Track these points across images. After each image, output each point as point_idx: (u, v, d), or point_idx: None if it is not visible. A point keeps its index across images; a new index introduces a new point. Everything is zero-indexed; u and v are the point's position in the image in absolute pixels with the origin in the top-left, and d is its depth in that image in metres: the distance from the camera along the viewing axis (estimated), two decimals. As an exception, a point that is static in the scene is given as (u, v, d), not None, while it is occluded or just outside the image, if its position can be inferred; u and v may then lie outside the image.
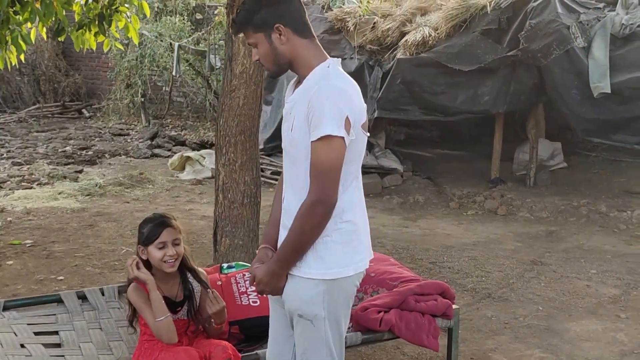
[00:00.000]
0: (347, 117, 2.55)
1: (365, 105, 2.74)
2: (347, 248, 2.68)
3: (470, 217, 7.95)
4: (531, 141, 8.86)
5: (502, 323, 5.03)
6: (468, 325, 4.96)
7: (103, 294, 3.97)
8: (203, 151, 10.22)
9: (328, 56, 2.71)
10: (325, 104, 2.53)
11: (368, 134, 2.77)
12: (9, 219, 7.34)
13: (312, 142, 2.56)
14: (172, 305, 3.40)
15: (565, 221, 7.70)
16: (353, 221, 2.69)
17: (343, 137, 2.55)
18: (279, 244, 2.76)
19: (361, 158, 2.73)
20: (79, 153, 11.02)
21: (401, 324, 3.60)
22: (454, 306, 3.77)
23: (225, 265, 4.13)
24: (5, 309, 3.75)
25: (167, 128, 13.34)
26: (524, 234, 7.26)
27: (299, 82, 2.73)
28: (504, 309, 5.29)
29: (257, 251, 2.90)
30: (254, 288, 3.84)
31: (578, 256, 6.53)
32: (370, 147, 9.19)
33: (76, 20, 5.81)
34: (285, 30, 2.64)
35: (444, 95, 8.44)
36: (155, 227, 3.34)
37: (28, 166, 9.99)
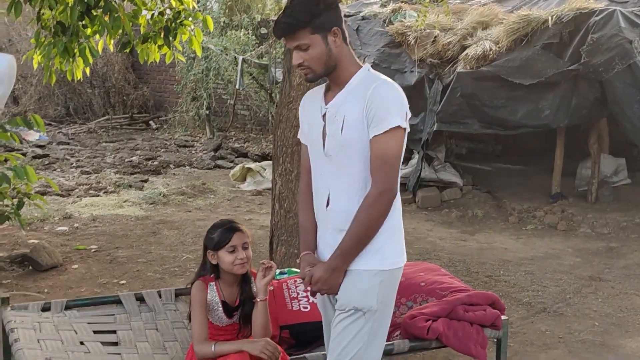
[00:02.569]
0: (406, 111, 2.73)
1: None
2: (397, 238, 2.82)
3: (529, 232, 7.88)
4: (593, 156, 8.74)
5: (556, 337, 4.99)
6: (521, 339, 4.94)
7: (160, 297, 4.11)
8: (264, 163, 10.39)
9: (361, 63, 2.86)
10: (391, 98, 2.70)
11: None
12: (75, 225, 7.61)
13: (375, 136, 2.68)
14: (229, 310, 3.51)
15: (627, 238, 7.57)
16: (400, 210, 2.83)
17: (405, 129, 2.73)
18: (323, 247, 2.86)
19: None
20: (144, 163, 11.32)
21: (449, 332, 3.62)
22: (503, 317, 3.77)
23: (277, 271, 4.22)
24: (67, 308, 3.92)
25: (230, 140, 13.58)
26: (583, 250, 7.16)
27: (328, 91, 2.87)
28: (559, 323, 5.24)
29: (299, 261, 2.96)
30: (305, 294, 3.95)
31: (638, 273, 6.41)
32: (429, 160, 9.20)
33: (142, 33, 6.03)
34: (339, 33, 2.77)
35: (504, 109, 8.40)
36: (225, 231, 3.44)
37: (96, 175, 10.31)
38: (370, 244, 2.74)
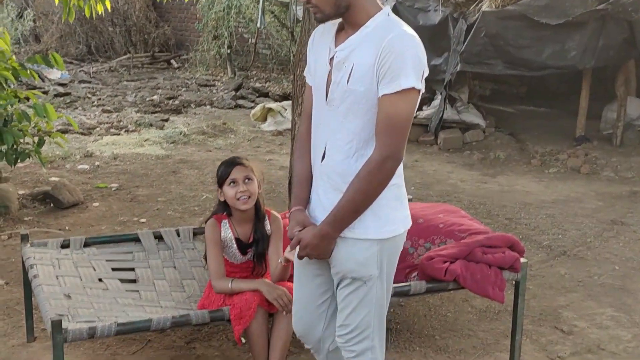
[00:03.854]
0: (423, 70, 2.46)
1: None
2: (398, 204, 2.62)
3: (551, 175, 7.80)
4: (620, 99, 8.58)
5: (576, 281, 4.97)
6: (540, 282, 4.92)
7: (178, 235, 4.13)
8: (285, 103, 10.31)
9: (381, 5, 2.56)
10: (408, 54, 2.41)
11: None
12: (97, 163, 7.64)
13: (385, 95, 2.42)
14: (242, 247, 3.52)
15: (651, 182, 7.48)
16: (401, 175, 2.62)
17: (419, 91, 2.46)
18: (316, 205, 2.66)
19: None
20: (165, 102, 11.29)
21: (467, 274, 3.60)
22: (522, 259, 3.74)
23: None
24: (86, 245, 3.95)
25: (251, 80, 13.49)
26: (606, 194, 7.08)
27: (341, 30, 2.59)
28: (579, 267, 5.21)
29: (288, 214, 2.77)
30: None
31: (661, 217, 6.35)
32: (452, 101, 9.08)
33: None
34: None
35: (529, 50, 8.22)
36: (226, 166, 3.50)
37: (117, 114, 10.30)
38: (369, 210, 2.53)
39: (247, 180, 3.43)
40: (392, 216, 2.60)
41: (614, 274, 5.10)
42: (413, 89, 2.42)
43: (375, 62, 2.43)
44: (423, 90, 2.51)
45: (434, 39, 8.80)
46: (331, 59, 2.57)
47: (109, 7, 5.58)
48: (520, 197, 6.90)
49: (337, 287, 2.69)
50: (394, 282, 3.77)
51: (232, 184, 3.43)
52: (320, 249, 2.57)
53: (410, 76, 2.40)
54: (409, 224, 2.70)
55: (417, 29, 9.38)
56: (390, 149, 2.45)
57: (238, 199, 3.42)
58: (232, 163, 3.48)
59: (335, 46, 2.57)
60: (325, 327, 2.82)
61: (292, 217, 2.69)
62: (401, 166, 2.59)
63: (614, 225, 6.10)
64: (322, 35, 2.65)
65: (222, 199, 3.53)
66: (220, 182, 3.49)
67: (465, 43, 8.37)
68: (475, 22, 8.31)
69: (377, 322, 2.70)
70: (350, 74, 2.48)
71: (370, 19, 2.51)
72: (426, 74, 2.50)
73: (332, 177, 2.58)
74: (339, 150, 2.55)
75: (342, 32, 2.59)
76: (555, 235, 5.83)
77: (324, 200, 2.61)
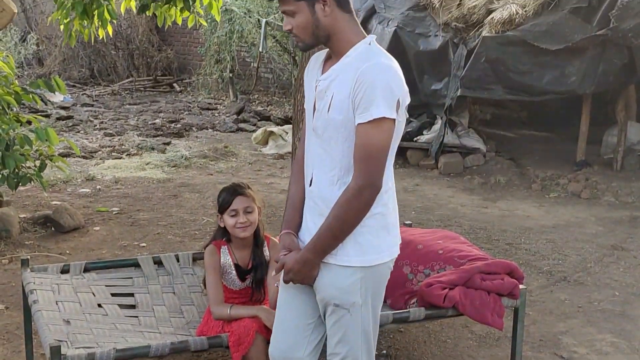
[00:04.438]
0: (398, 99, 2.47)
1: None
2: (383, 233, 2.61)
3: (552, 200, 7.81)
4: (620, 124, 8.61)
5: (576, 307, 4.96)
6: (540, 308, 4.91)
7: (178, 260, 4.13)
8: (286, 126, 10.34)
9: (366, 33, 2.59)
10: (378, 84, 2.43)
11: (407, 115, 2.67)
12: (98, 187, 7.66)
13: (360, 124, 2.45)
14: (241, 273, 3.53)
15: (652, 207, 7.48)
16: (388, 205, 2.62)
17: (394, 120, 2.47)
18: (304, 229, 2.68)
19: (399, 139, 2.62)
20: (167, 126, 11.34)
21: (466, 301, 3.60)
22: (521, 286, 3.74)
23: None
24: (86, 270, 3.95)
25: (253, 103, 13.55)
26: (606, 219, 7.08)
27: (329, 59, 2.61)
28: (579, 292, 5.21)
29: (278, 237, 2.81)
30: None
31: (662, 243, 6.35)
32: (453, 126, 9.11)
33: (164, -5, 5.98)
34: (330, 1, 2.51)
35: (530, 75, 8.27)
36: (228, 195, 3.50)
37: (119, 137, 10.34)
38: (351, 237, 2.55)
39: (247, 210, 3.45)
40: (375, 244, 2.60)
41: (614, 299, 5.09)
42: (385, 118, 2.44)
43: (351, 92, 2.46)
44: (402, 119, 2.54)
45: (435, 64, 8.87)
46: (316, 87, 2.61)
47: (110, 32, 5.63)
48: (521, 222, 6.91)
49: (324, 315, 2.70)
50: (394, 309, 3.81)
51: (232, 213, 3.45)
52: (302, 274, 2.60)
53: (380, 106, 2.42)
54: (395, 253, 2.69)
55: (418, 54, 9.54)
56: (366, 178, 2.47)
57: (237, 228, 3.44)
58: (233, 192, 3.48)
59: (321, 74, 2.61)
60: (306, 352, 2.76)
61: (281, 240, 2.74)
62: (389, 195, 2.62)
63: (614, 251, 6.10)
64: (315, 63, 2.70)
65: (222, 225, 3.55)
66: (221, 209, 3.51)
67: (466, 68, 8.42)
68: (476, 48, 8.38)
69: (365, 352, 2.69)
70: (330, 103, 2.52)
71: (351, 48, 2.54)
72: (405, 102, 2.54)
73: (318, 203, 2.62)
74: (323, 176, 2.59)
75: (329, 61, 2.63)
76: (555, 261, 5.83)
77: (311, 225, 2.65)
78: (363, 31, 2.61)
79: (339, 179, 2.55)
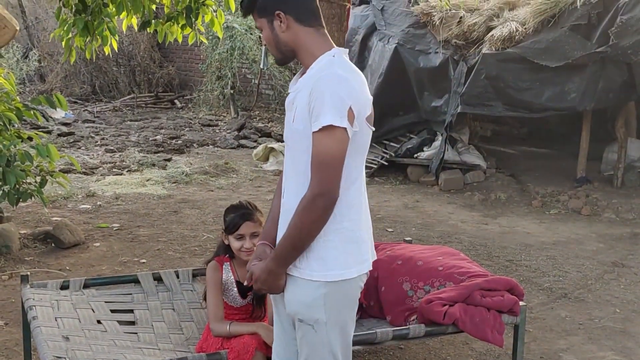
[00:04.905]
0: (350, 107, 2.45)
1: (371, 97, 2.62)
2: (350, 248, 2.57)
3: (552, 216, 7.81)
4: (620, 140, 8.62)
5: (576, 324, 4.95)
6: (541, 325, 4.90)
7: (178, 277, 4.13)
8: (287, 143, 10.37)
9: (334, 46, 2.61)
10: (327, 93, 2.44)
11: (373, 128, 2.64)
12: (98, 203, 7.66)
13: (313, 132, 2.46)
14: (243, 290, 3.53)
15: (652, 223, 7.48)
16: (356, 220, 2.59)
17: (345, 128, 2.45)
18: (278, 239, 2.66)
19: (365, 153, 2.62)
20: (168, 142, 11.36)
21: (465, 318, 3.60)
22: (521, 303, 3.74)
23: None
24: (85, 286, 3.96)
25: (254, 120, 13.57)
26: (607, 235, 7.08)
27: (303, 72, 2.65)
28: (579, 309, 5.19)
29: (254, 248, 2.83)
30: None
31: (663, 260, 6.34)
32: (453, 142, 9.13)
33: (165, 12, 6.01)
34: (285, 17, 2.56)
35: (529, 92, 8.29)
36: (236, 218, 3.50)
37: (120, 153, 10.36)
38: (314, 252, 2.52)
39: (254, 235, 3.45)
40: (341, 260, 2.56)
41: (615, 316, 5.08)
42: (333, 126, 2.42)
43: (308, 103, 2.49)
44: (361, 130, 2.51)
45: (435, 80, 8.90)
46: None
47: (115, 47, 5.65)
48: (521, 239, 6.90)
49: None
50: (394, 325, 3.81)
51: (239, 237, 3.46)
52: (268, 283, 2.59)
53: (327, 114, 2.42)
54: (365, 269, 2.64)
55: (418, 71, 9.56)
56: (319, 187, 2.45)
57: (242, 251, 3.45)
58: (242, 217, 3.48)
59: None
60: None
61: (255, 250, 2.77)
62: (357, 210, 2.59)
63: (614, 267, 6.09)
64: (295, 77, 2.73)
65: (226, 242, 3.55)
66: (227, 231, 3.51)
67: (466, 85, 8.45)
68: (476, 64, 8.42)
69: None
70: (294, 114, 2.56)
71: (315, 60, 2.57)
72: (362, 112, 2.52)
73: (287, 214, 2.60)
74: (292, 187, 2.60)
75: (302, 75, 2.65)
76: (555, 277, 5.82)
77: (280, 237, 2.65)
78: (331, 43, 2.62)
79: (304, 191, 2.52)
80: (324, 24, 2.66)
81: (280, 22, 2.57)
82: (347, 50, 2.69)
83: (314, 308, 2.56)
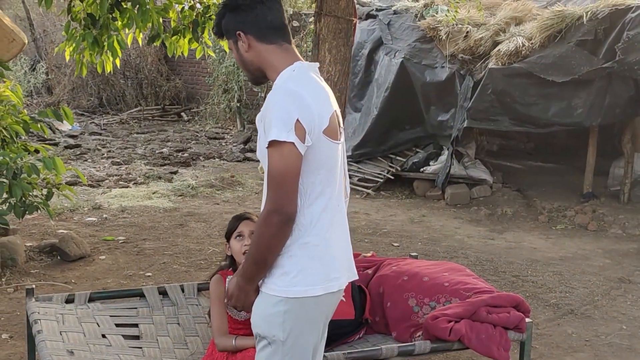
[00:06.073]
0: (297, 121, 2.38)
1: (331, 109, 2.54)
2: (316, 265, 2.49)
3: (559, 232, 7.78)
4: (627, 156, 8.60)
5: (583, 340, 4.92)
6: (547, 341, 4.88)
7: (183, 291, 4.12)
8: (293, 156, 10.38)
9: (300, 59, 2.58)
10: (275, 107, 2.41)
11: (338, 141, 2.57)
12: (104, 216, 7.67)
13: (266, 148, 2.41)
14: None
15: (660, 239, 7.45)
16: (324, 237, 2.50)
17: (293, 143, 2.37)
18: None
19: (332, 169, 2.55)
20: (175, 155, 11.38)
21: (471, 334, 3.58)
22: (527, 320, 3.72)
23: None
24: (90, 300, 3.95)
25: (260, 133, 13.58)
26: (613, 251, 7.05)
27: None
28: (586, 326, 5.17)
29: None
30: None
31: (670, 276, 6.31)
32: (459, 156, 9.12)
33: (172, 26, 6.04)
34: (246, 37, 2.57)
35: (536, 107, 8.29)
36: (234, 220, 3.60)
37: (126, 166, 10.38)
38: (279, 266, 2.46)
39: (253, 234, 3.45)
40: (304, 276, 2.47)
41: (622, 333, 5.05)
42: (278, 141, 2.37)
43: (262, 119, 2.49)
44: (315, 144, 2.44)
45: (441, 95, 8.91)
46: None
47: (118, 64, 5.68)
48: (527, 254, 6.88)
49: None
50: (399, 341, 3.79)
51: (238, 237, 3.49)
52: (239, 299, 2.55)
53: (272, 129, 2.37)
54: (331, 288, 2.54)
55: (425, 85, 9.59)
56: (272, 202, 2.40)
57: (244, 253, 3.45)
58: (239, 218, 3.58)
59: None
60: None
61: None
62: (322, 227, 2.51)
63: (621, 284, 6.06)
64: None
65: (229, 253, 3.59)
66: (228, 235, 3.58)
67: (472, 99, 8.46)
68: (482, 79, 8.42)
69: None
70: (260, 132, 2.53)
71: (278, 76, 2.56)
72: (316, 126, 2.45)
73: None
74: (264, 204, 2.52)
75: None
76: (562, 294, 5.80)
77: None
78: (296, 57, 2.59)
79: None
80: (291, 39, 2.64)
81: (242, 42, 2.58)
82: (317, 64, 2.66)
83: (272, 324, 2.47)
